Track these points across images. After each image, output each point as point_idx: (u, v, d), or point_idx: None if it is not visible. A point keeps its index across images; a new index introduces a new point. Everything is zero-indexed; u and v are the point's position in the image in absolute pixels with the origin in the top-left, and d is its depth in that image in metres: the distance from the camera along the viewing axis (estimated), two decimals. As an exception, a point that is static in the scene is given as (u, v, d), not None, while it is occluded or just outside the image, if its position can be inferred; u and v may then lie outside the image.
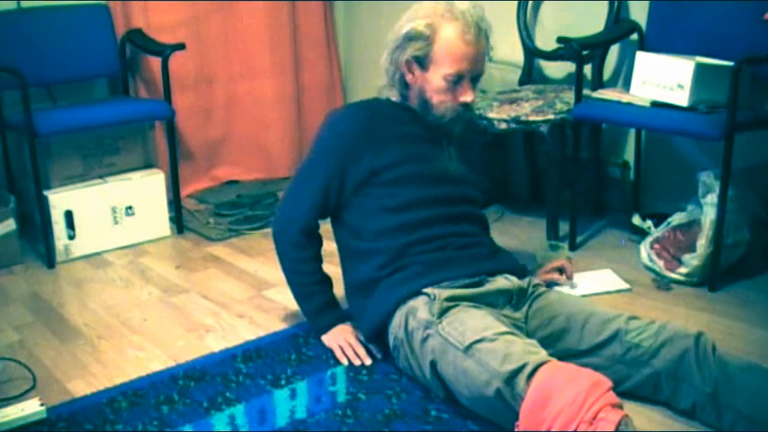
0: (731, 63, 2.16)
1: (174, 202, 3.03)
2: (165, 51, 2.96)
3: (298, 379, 1.87)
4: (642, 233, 2.58)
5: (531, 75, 3.13)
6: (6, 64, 2.63)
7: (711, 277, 2.31)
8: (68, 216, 2.75)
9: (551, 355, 1.55)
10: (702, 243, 2.31)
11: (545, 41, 3.09)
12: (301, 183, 1.98)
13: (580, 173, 2.69)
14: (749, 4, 2.43)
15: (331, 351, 1.98)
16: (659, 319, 1.74)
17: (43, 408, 1.74)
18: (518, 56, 3.13)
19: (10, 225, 2.70)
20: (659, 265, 2.42)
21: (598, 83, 2.87)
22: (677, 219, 2.47)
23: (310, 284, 2.03)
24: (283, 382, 1.86)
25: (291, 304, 2.16)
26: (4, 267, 2.69)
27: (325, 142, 1.94)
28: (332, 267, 2.07)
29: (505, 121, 2.60)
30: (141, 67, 3.27)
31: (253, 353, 2.01)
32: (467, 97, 1.87)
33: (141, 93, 3.30)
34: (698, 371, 1.59)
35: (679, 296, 2.30)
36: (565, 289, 2.27)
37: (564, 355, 1.68)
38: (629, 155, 2.96)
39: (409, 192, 1.90)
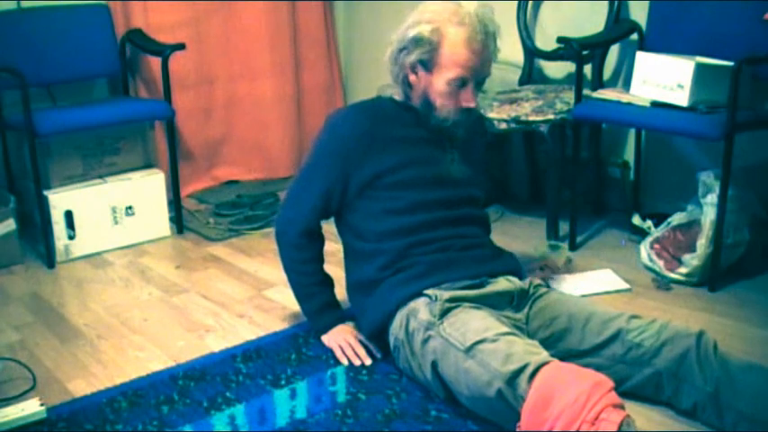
0: (731, 63, 2.16)
1: (174, 202, 3.03)
2: (165, 51, 2.96)
3: (298, 379, 1.87)
4: (642, 233, 2.58)
5: (531, 75, 3.13)
6: (6, 64, 2.63)
7: (711, 277, 2.31)
8: (68, 216, 2.75)
9: (552, 355, 1.55)
10: (702, 243, 2.31)
11: (545, 41, 3.09)
12: (302, 185, 1.98)
13: (580, 173, 2.69)
14: (749, 4, 2.43)
15: (331, 351, 1.98)
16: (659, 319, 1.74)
17: (43, 408, 1.74)
18: (518, 56, 3.14)
19: (10, 225, 2.70)
20: (659, 265, 2.42)
21: (598, 83, 2.88)
22: (677, 219, 2.47)
23: (311, 285, 2.03)
24: (283, 382, 1.86)
25: (291, 304, 2.16)
26: (4, 267, 2.69)
27: (327, 146, 1.93)
28: (331, 267, 2.07)
29: (505, 121, 2.60)
30: (141, 67, 3.27)
31: (253, 353, 2.01)
32: (470, 103, 1.86)
33: (141, 93, 3.30)
34: (699, 371, 1.59)
35: (679, 296, 2.30)
36: (565, 289, 2.27)
37: (565, 356, 1.68)
38: (629, 155, 2.96)
39: (411, 195, 1.89)
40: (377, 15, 3.79)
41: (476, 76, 1.84)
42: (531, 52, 3.11)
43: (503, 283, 1.87)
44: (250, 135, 3.69)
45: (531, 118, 2.59)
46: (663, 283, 2.36)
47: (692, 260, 2.33)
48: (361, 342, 1.96)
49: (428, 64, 1.84)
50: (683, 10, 2.64)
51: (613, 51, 2.93)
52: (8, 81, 2.57)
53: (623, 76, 2.95)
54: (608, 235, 2.83)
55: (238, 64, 3.59)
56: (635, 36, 2.78)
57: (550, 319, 1.80)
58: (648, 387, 1.68)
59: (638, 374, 1.67)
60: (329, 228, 2.03)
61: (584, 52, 2.68)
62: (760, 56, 2.27)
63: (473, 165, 2.01)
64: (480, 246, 1.96)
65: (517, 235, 2.82)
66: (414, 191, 1.89)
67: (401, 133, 1.91)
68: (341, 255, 2.07)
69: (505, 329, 1.62)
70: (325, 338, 2.02)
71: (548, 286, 1.96)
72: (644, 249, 2.50)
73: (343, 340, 1.97)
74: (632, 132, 2.93)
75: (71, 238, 2.77)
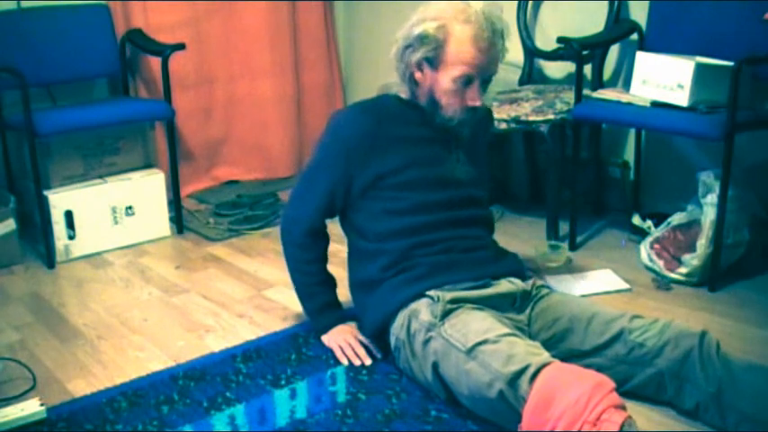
0: (731, 63, 2.16)
1: (174, 202, 3.03)
2: (165, 51, 2.96)
3: (298, 379, 1.87)
4: (642, 233, 2.58)
5: (531, 75, 3.13)
6: (6, 64, 2.63)
7: (711, 277, 2.31)
8: (68, 216, 2.75)
9: (555, 356, 1.55)
10: (702, 243, 2.31)
11: (545, 41, 3.09)
12: (306, 185, 1.97)
13: (580, 173, 2.69)
14: (749, 4, 2.43)
15: (331, 351, 1.98)
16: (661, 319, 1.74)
17: (43, 408, 1.74)
18: (518, 56, 3.13)
19: (10, 225, 2.70)
20: (659, 265, 2.42)
21: (598, 83, 2.88)
22: (677, 219, 2.47)
23: (313, 285, 2.03)
24: (283, 382, 1.86)
25: (291, 304, 2.16)
26: (4, 267, 2.69)
27: (330, 146, 1.92)
28: (332, 268, 2.07)
29: (505, 121, 2.60)
30: (141, 67, 3.27)
31: (253, 353, 2.01)
32: (475, 101, 1.84)
33: (141, 93, 3.30)
34: (701, 370, 1.59)
35: (679, 296, 2.30)
36: (565, 289, 2.27)
37: (567, 356, 1.68)
38: (629, 155, 2.97)
39: (414, 196, 1.88)
40: (377, 15, 3.79)
41: (482, 74, 1.82)
42: (531, 52, 3.11)
43: (505, 285, 1.86)
44: (250, 135, 3.69)
45: (531, 118, 2.59)
46: (663, 283, 2.37)
47: (692, 260, 2.33)
48: (360, 342, 1.96)
49: (434, 61, 1.83)
50: (683, 10, 2.64)
51: (613, 51, 2.94)
52: (8, 81, 2.57)
53: (623, 76, 2.95)
54: (608, 235, 2.83)
55: (238, 64, 3.59)
56: (635, 36, 2.78)
57: (552, 320, 1.80)
58: (650, 387, 1.68)
59: (640, 374, 1.67)
60: (332, 229, 2.03)
61: (585, 52, 2.68)
62: (760, 56, 2.27)
63: (477, 164, 2.00)
64: (483, 247, 1.95)
65: (517, 235, 2.82)
66: (417, 192, 1.89)
67: (405, 133, 1.90)
68: (342, 255, 2.07)
69: (507, 330, 1.62)
70: (325, 338, 2.02)
71: (548, 287, 1.96)
72: (644, 249, 2.50)
73: (342, 340, 1.97)
74: (632, 132, 2.93)
75: (71, 238, 2.77)
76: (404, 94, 1.95)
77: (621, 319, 1.72)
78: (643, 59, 2.43)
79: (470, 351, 1.59)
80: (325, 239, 2.02)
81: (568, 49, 2.65)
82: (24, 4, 3.01)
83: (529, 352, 1.53)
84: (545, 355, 1.53)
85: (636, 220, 2.63)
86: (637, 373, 1.68)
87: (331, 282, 2.05)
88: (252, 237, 2.98)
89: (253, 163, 3.72)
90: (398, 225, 1.88)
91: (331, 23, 3.90)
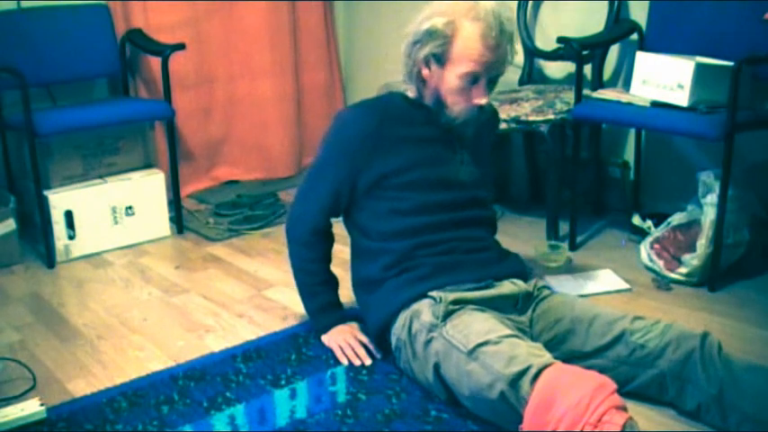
0: (731, 63, 2.16)
1: (174, 202, 3.03)
2: (165, 51, 2.95)
3: (298, 379, 1.87)
4: (642, 233, 2.58)
5: (531, 75, 3.14)
6: (6, 64, 2.63)
7: (711, 277, 2.31)
8: (68, 216, 2.75)
9: (556, 357, 1.54)
10: (702, 243, 2.31)
11: (545, 41, 3.09)
12: (311, 184, 1.97)
13: (580, 173, 2.69)
14: (749, 4, 2.43)
15: (331, 351, 1.98)
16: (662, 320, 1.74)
17: (43, 408, 1.73)
18: (518, 56, 3.13)
19: (10, 225, 2.70)
20: (659, 265, 2.42)
21: (598, 83, 2.88)
22: (677, 219, 2.47)
23: (315, 284, 2.03)
24: (283, 382, 1.86)
25: (291, 304, 2.16)
26: (4, 267, 2.69)
27: (334, 145, 1.92)
28: (333, 268, 2.06)
29: (505, 121, 2.60)
30: (141, 67, 3.27)
31: (253, 353, 2.01)
32: (481, 100, 1.83)
33: (141, 93, 3.30)
34: (703, 371, 1.59)
35: (679, 296, 2.30)
36: (565, 289, 2.27)
37: (569, 358, 1.68)
38: (629, 155, 2.97)
39: (417, 196, 1.88)
40: (377, 15, 3.79)
41: (488, 72, 1.81)
42: (531, 52, 3.11)
43: (507, 287, 1.86)
44: (250, 135, 3.69)
45: (531, 118, 2.59)
46: (663, 283, 2.37)
47: (692, 260, 2.33)
48: (360, 342, 1.96)
49: (441, 58, 1.81)
50: (683, 10, 2.64)
51: (613, 51, 2.94)
52: (8, 81, 2.57)
53: (623, 76, 2.95)
54: (608, 235, 2.83)
55: (238, 64, 3.59)
56: (635, 36, 2.78)
57: (554, 321, 1.80)
58: (652, 388, 1.68)
59: (641, 375, 1.67)
60: (336, 230, 2.03)
61: (585, 52, 2.68)
62: (760, 56, 2.27)
63: (481, 165, 1.99)
64: (486, 248, 1.95)
65: (517, 235, 2.82)
66: (420, 192, 1.88)
67: (410, 132, 1.89)
68: (343, 256, 2.07)
69: (508, 332, 1.61)
70: (325, 338, 2.02)
71: (549, 288, 1.96)
72: (644, 249, 2.50)
73: (342, 340, 1.97)
74: (632, 132, 2.93)
75: (71, 238, 2.77)
76: (411, 93, 1.94)
77: (623, 321, 1.72)
78: (643, 59, 2.43)
79: (472, 352, 1.58)
80: (329, 239, 2.02)
81: (568, 49, 2.65)
82: (24, 4, 3.01)
83: (530, 353, 1.53)
84: (547, 357, 1.52)
85: (636, 220, 2.63)
86: (638, 375, 1.68)
87: (333, 282, 2.05)
88: (252, 237, 2.98)
89: (253, 163, 3.72)
90: (401, 225, 1.88)
91: (331, 23, 3.90)
